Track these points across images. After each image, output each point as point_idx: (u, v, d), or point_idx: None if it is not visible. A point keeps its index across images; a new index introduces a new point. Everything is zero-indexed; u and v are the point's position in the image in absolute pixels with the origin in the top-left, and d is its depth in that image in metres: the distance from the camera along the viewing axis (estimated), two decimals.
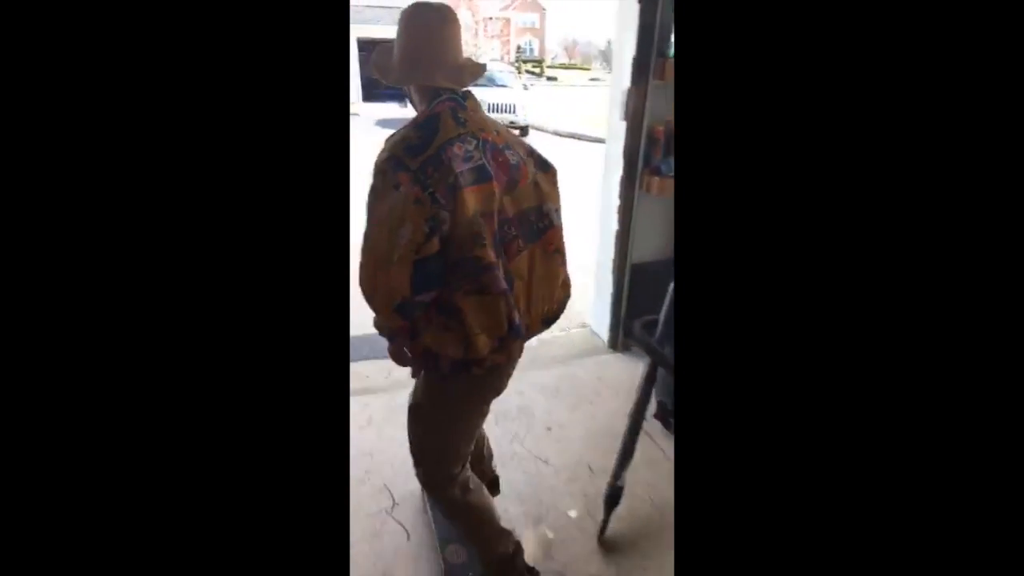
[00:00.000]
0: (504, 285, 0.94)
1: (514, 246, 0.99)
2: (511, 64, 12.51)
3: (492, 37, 27.23)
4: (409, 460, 1.23)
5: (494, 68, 11.99)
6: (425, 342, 0.99)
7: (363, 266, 0.90)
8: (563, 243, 1.10)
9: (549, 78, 27.85)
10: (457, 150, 0.89)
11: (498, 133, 0.99)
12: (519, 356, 1.06)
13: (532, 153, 1.07)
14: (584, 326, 2.92)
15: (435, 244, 0.87)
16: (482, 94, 10.67)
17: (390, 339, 1.05)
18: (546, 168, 1.08)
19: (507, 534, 1.26)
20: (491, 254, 0.92)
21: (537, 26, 40.05)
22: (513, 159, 0.98)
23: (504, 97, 10.42)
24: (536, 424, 2.18)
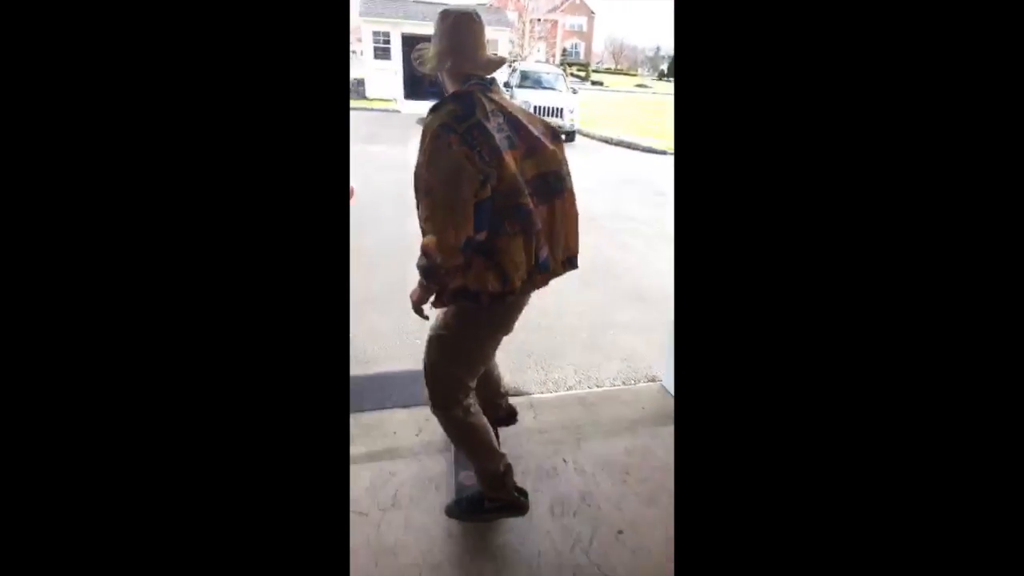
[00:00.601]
0: (536, 226, 1.18)
1: (547, 192, 1.24)
2: (558, 67, 12.02)
3: (539, 39, 26.87)
4: None
5: (541, 69, 11.54)
6: (467, 282, 1.19)
7: (432, 213, 1.10)
8: (575, 202, 1.33)
9: (594, 82, 27.32)
10: (491, 124, 1.13)
11: (520, 111, 1.24)
12: (543, 286, 1.30)
13: (548, 126, 1.29)
14: (654, 380, 2.43)
15: (488, 190, 1.10)
16: (528, 96, 10.33)
17: (437, 279, 1.18)
18: (558, 139, 1.30)
19: (500, 455, 1.45)
20: (529, 199, 1.16)
21: (584, 29, 39.53)
22: (534, 131, 1.22)
23: (551, 100, 9.94)
24: (603, 524, 1.71)
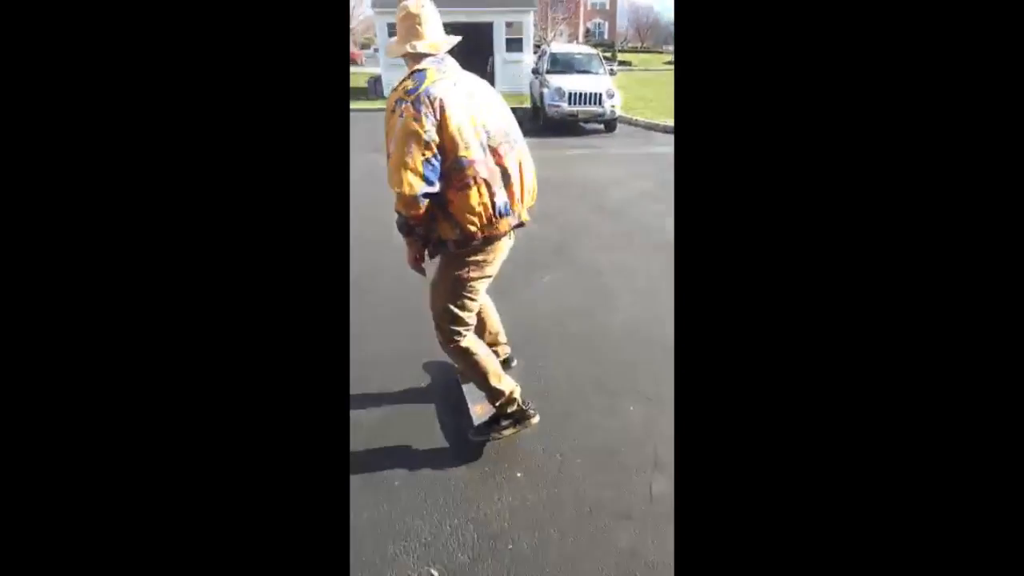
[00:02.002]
0: (484, 174, 1.44)
1: (501, 149, 1.49)
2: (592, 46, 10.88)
3: (562, 20, 25.55)
4: None
5: (572, 51, 10.39)
6: (437, 234, 1.52)
7: (391, 171, 1.40)
8: (528, 155, 1.65)
9: (621, 62, 25.83)
10: (441, 87, 1.40)
11: (471, 79, 1.54)
12: (508, 230, 1.59)
13: (498, 93, 1.62)
14: None
15: (433, 147, 1.38)
16: (560, 82, 9.20)
17: (409, 233, 1.52)
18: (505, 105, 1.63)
19: (506, 379, 1.75)
20: (472, 152, 1.42)
21: (607, 7, 37.81)
22: (482, 92, 1.52)
23: (586, 85, 8.82)
24: None
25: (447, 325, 1.64)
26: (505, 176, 1.48)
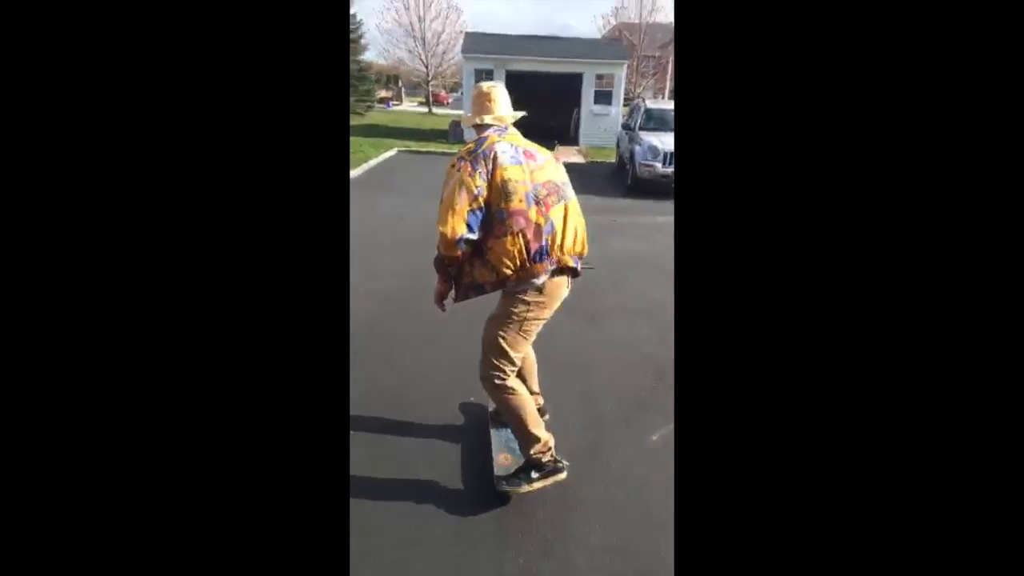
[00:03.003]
0: (522, 225, 1.59)
1: (549, 201, 1.65)
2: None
3: (652, 75, 25.26)
4: None
5: (670, 108, 9.67)
6: (473, 278, 1.72)
7: (441, 213, 1.60)
8: (579, 211, 1.77)
9: None
10: (500, 148, 1.63)
11: (531, 146, 1.75)
12: (549, 276, 1.68)
13: (551, 153, 1.79)
14: None
15: (480, 201, 1.58)
16: (654, 140, 8.49)
17: (446, 272, 1.75)
18: (562, 169, 1.80)
19: (543, 427, 1.79)
20: (514, 205, 1.59)
21: None
22: (540, 156, 1.72)
23: (665, 143, 7.99)
24: None
25: (492, 359, 1.73)
26: (547, 226, 1.62)
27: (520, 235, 1.58)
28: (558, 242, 1.64)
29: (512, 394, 1.72)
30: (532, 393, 2.00)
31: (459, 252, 1.62)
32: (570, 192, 1.73)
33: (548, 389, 2.23)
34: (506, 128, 1.74)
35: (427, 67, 25.49)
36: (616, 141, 11.15)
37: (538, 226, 1.60)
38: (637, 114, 9.34)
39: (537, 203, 1.61)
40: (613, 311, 3.73)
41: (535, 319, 1.72)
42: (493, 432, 2.09)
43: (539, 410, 1.97)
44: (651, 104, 9.60)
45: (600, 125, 13.56)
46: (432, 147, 12.24)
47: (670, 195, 8.22)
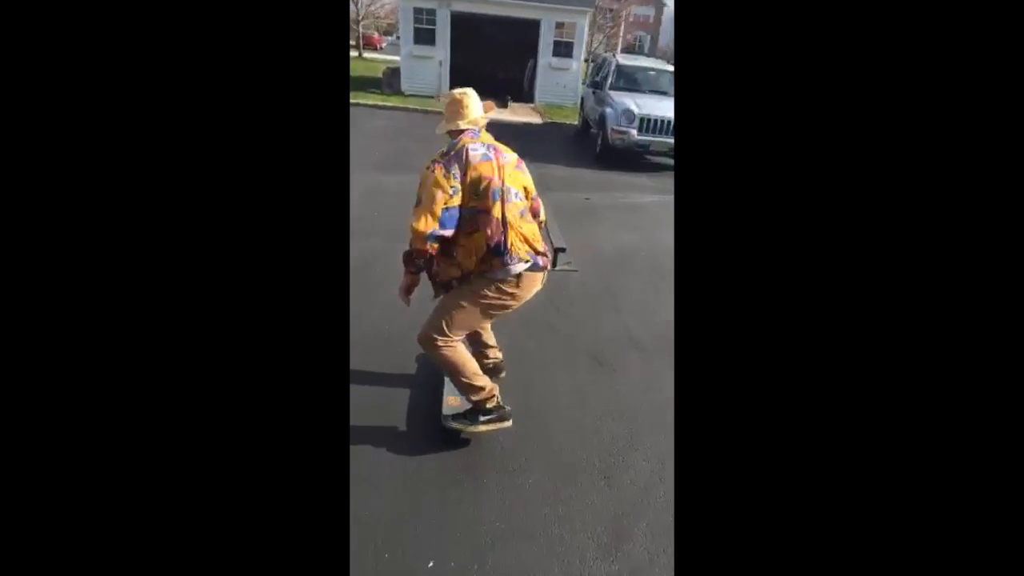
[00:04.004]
0: (487, 221, 1.69)
1: (509, 198, 1.74)
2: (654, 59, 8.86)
3: (609, 28, 23.87)
4: None
5: (646, 65, 8.53)
6: (443, 276, 1.83)
7: (415, 213, 1.67)
8: (538, 216, 1.96)
9: None
10: (471, 147, 1.72)
11: (499, 146, 1.82)
12: (527, 269, 1.77)
13: (519, 159, 1.87)
14: None
15: (454, 200, 1.66)
16: (631, 102, 7.32)
17: (414, 265, 1.78)
18: (525, 172, 1.89)
19: (483, 377, 1.87)
20: (481, 203, 1.69)
21: (651, 20, 36.21)
22: (506, 155, 1.80)
23: (662, 109, 6.97)
24: None
25: (443, 327, 1.77)
26: (505, 223, 1.71)
27: (484, 230, 1.70)
28: (514, 240, 1.73)
29: (449, 348, 1.79)
30: (488, 347, 2.13)
31: (428, 246, 1.68)
32: (532, 190, 1.91)
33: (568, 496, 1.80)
34: (479, 131, 1.80)
35: (356, 4, 22.63)
36: (579, 100, 9.96)
37: (498, 221, 1.71)
38: (607, 71, 8.16)
39: (502, 200, 1.72)
40: (619, 346, 2.71)
41: (500, 307, 1.81)
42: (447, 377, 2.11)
43: (496, 366, 2.15)
44: (623, 60, 8.43)
45: (559, 81, 12.21)
46: (362, 99, 10.46)
47: (646, 167, 7.32)
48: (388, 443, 1.93)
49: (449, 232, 1.66)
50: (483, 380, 1.84)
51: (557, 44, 11.99)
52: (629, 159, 7.39)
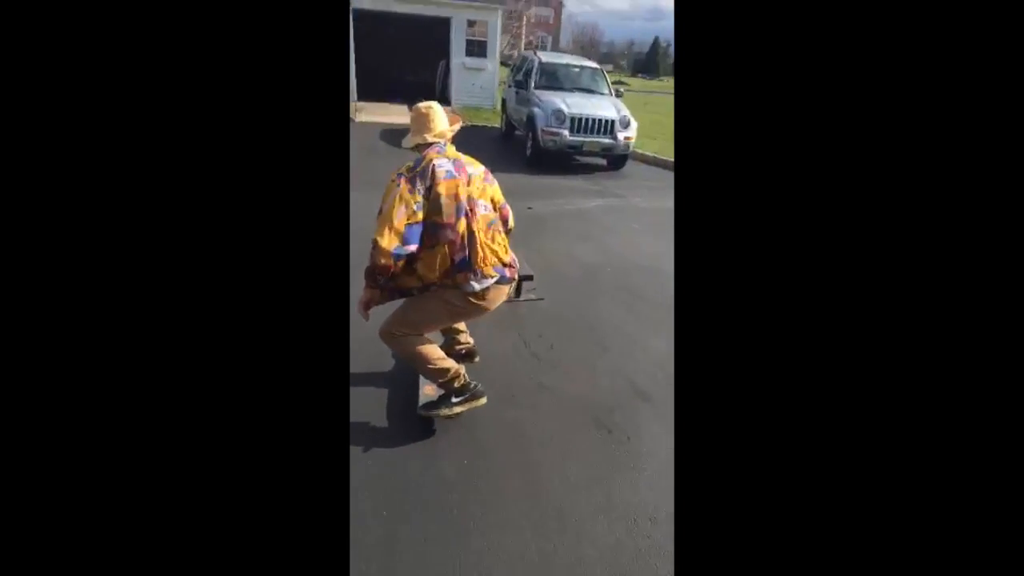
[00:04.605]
0: (449, 237, 1.71)
1: (476, 212, 1.76)
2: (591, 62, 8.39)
3: (515, 28, 23.73)
4: None
5: (570, 62, 8.23)
6: (398, 283, 1.81)
7: (378, 228, 1.64)
8: (507, 224, 2.01)
9: None
10: (438, 163, 1.72)
11: (464, 160, 1.83)
12: (494, 283, 1.80)
13: (486, 171, 1.89)
14: None
15: (418, 216, 1.66)
16: (561, 102, 6.50)
17: (375, 281, 1.74)
18: (493, 183, 1.92)
19: (448, 360, 1.89)
20: (444, 218, 1.69)
21: (551, 21, 36.70)
22: (471, 169, 1.81)
23: (594, 108, 6.72)
24: None
25: (405, 325, 1.83)
26: (471, 238, 1.74)
27: (448, 246, 1.71)
28: (481, 254, 1.75)
29: (407, 337, 1.83)
30: (458, 333, 2.17)
31: (392, 263, 1.65)
32: (501, 200, 1.94)
33: None
34: (444, 145, 1.80)
35: None
36: (500, 102, 9.50)
37: (463, 237, 1.72)
38: (529, 68, 7.77)
39: (466, 215, 1.72)
40: (623, 399, 2.24)
41: (464, 315, 1.91)
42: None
43: (468, 351, 2.19)
44: (545, 58, 8.07)
45: (474, 82, 11.68)
46: None
47: (580, 169, 7.00)
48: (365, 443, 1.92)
49: (413, 247, 1.66)
50: (448, 362, 1.88)
51: (470, 43, 11.46)
52: (561, 161, 7.06)
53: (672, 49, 48.36)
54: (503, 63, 12.92)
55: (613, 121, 6.66)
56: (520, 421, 2.07)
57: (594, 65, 8.14)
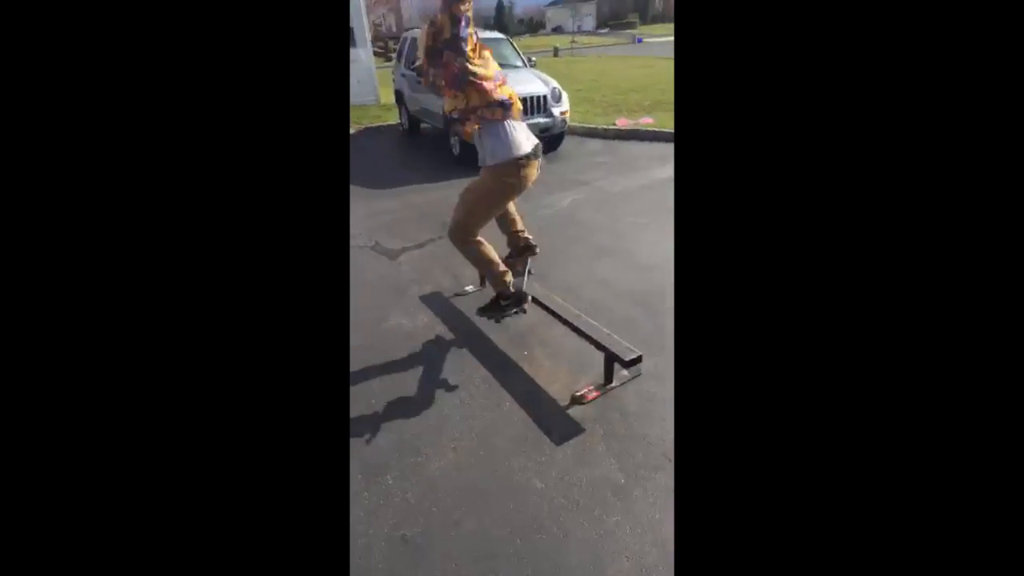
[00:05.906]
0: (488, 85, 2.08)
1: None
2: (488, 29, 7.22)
3: (386, 4, 21.58)
4: None
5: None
6: (447, 107, 2.18)
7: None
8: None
9: None
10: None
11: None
12: (530, 158, 2.15)
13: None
14: None
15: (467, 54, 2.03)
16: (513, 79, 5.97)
17: (454, 122, 2.17)
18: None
19: (502, 267, 2.30)
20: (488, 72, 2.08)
21: None
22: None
23: (521, 85, 5.72)
24: None
25: (461, 227, 2.18)
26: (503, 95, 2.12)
27: (485, 84, 2.02)
28: (516, 104, 2.11)
29: (476, 244, 2.21)
30: (518, 229, 2.52)
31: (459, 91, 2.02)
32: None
33: None
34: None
35: None
36: (394, 94, 8.10)
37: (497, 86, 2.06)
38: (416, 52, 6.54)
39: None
40: None
41: (507, 195, 2.24)
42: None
43: (527, 244, 2.52)
44: None
45: (351, 76, 10.09)
46: None
47: None
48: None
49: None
50: (504, 268, 2.30)
51: None
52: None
53: (516, 9, 47.89)
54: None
55: (544, 96, 5.79)
56: None
57: (499, 35, 7.09)
